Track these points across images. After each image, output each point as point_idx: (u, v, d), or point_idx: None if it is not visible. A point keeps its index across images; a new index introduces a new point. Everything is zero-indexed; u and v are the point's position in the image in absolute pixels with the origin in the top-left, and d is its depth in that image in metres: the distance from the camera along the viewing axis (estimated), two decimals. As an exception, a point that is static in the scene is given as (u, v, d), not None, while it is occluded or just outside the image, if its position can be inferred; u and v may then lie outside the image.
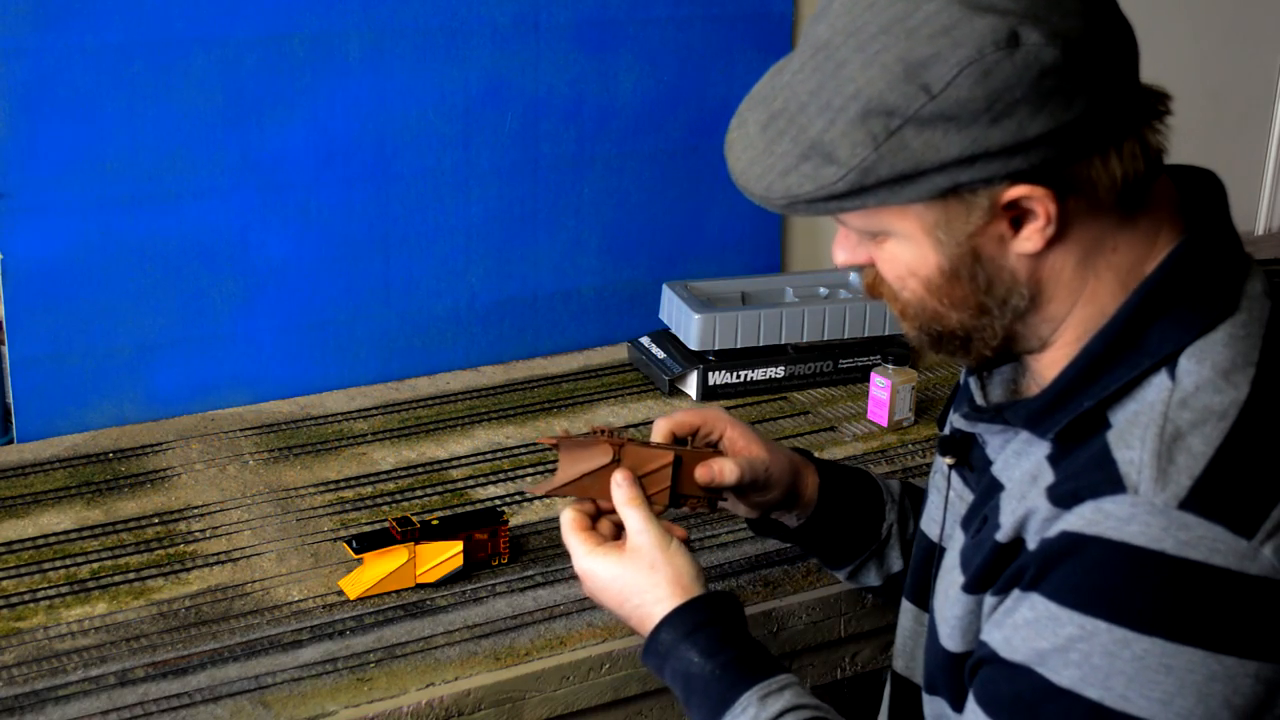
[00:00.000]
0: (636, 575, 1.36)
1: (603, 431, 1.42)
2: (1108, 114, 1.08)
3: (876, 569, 1.55)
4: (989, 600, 1.18)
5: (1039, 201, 1.09)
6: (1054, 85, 1.05)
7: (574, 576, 1.66)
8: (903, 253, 1.16)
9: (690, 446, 1.47)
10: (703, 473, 1.44)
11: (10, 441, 1.95)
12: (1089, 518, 1.08)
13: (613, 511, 1.42)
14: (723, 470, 1.44)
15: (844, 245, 1.21)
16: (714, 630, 1.32)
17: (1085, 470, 1.11)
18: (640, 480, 1.41)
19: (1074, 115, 1.06)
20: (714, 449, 1.48)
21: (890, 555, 1.54)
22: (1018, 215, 1.11)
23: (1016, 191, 1.09)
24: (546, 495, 1.42)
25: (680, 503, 1.46)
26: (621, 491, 1.39)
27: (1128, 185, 1.11)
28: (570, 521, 1.41)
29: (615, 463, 1.40)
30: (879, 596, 1.62)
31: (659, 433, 1.48)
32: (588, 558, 1.38)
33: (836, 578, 1.61)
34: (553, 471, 1.88)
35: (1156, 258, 1.16)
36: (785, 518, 1.53)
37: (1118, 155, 1.10)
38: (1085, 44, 1.06)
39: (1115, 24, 1.10)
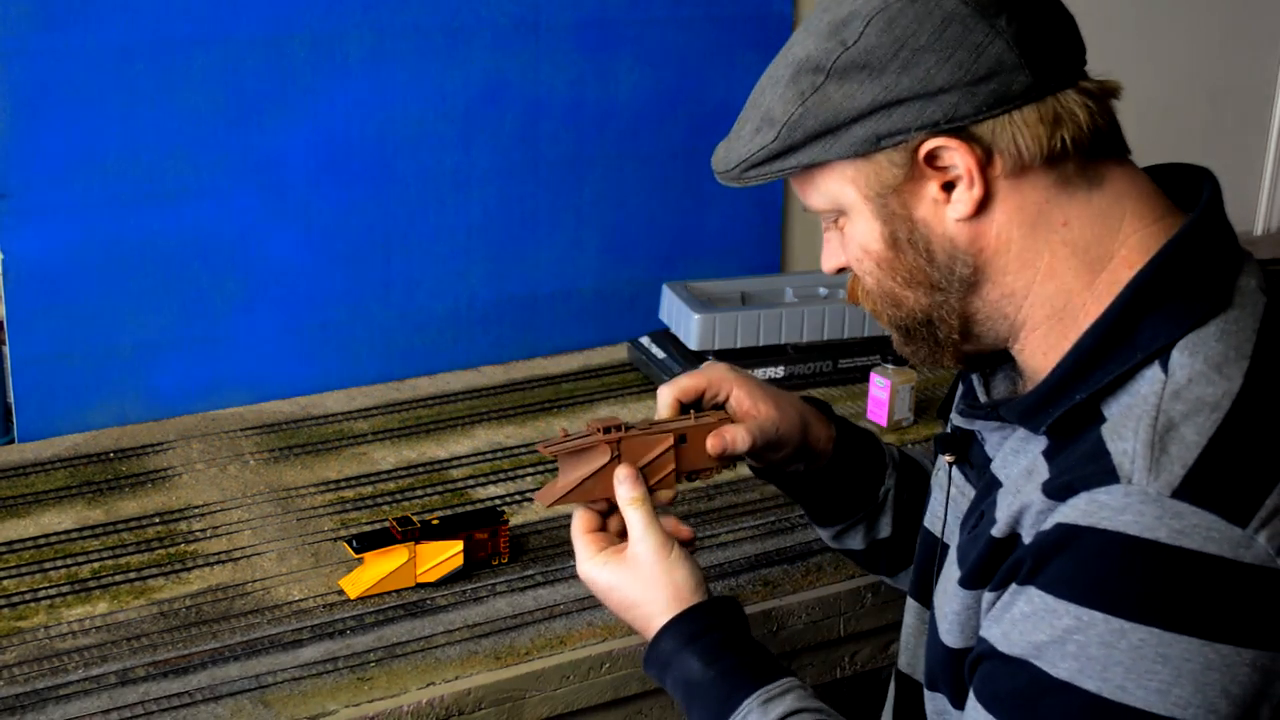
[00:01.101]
0: (634, 586, 1.35)
1: (603, 429, 1.40)
2: (1020, 70, 1.13)
3: (864, 533, 1.54)
4: (987, 596, 1.18)
5: (957, 154, 1.14)
6: (959, 35, 1.12)
7: (575, 576, 1.67)
8: (854, 230, 1.22)
9: (695, 413, 1.43)
10: (714, 443, 1.41)
11: (11, 441, 1.95)
12: (1083, 509, 1.08)
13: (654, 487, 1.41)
14: (735, 439, 1.42)
15: (829, 250, 1.27)
16: (713, 637, 1.32)
17: (1079, 463, 1.12)
18: (644, 471, 1.38)
19: (982, 69, 1.12)
20: (721, 410, 1.45)
21: (881, 521, 1.53)
22: (949, 182, 1.16)
23: (932, 143, 1.14)
24: (555, 504, 1.39)
25: (693, 477, 1.43)
26: (623, 490, 1.37)
27: (1056, 150, 1.14)
28: (578, 522, 1.40)
29: (615, 459, 1.39)
30: (859, 564, 1.60)
31: (664, 401, 1.45)
32: (588, 563, 1.37)
33: (820, 536, 1.59)
34: (554, 468, 1.89)
35: (1125, 241, 1.17)
36: (789, 467, 1.52)
37: (1039, 115, 1.13)
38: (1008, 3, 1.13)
39: None
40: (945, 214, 1.17)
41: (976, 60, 1.12)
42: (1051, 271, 1.18)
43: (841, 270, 1.27)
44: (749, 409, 1.45)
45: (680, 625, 1.33)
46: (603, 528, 1.41)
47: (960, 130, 1.13)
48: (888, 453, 1.55)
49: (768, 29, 2.26)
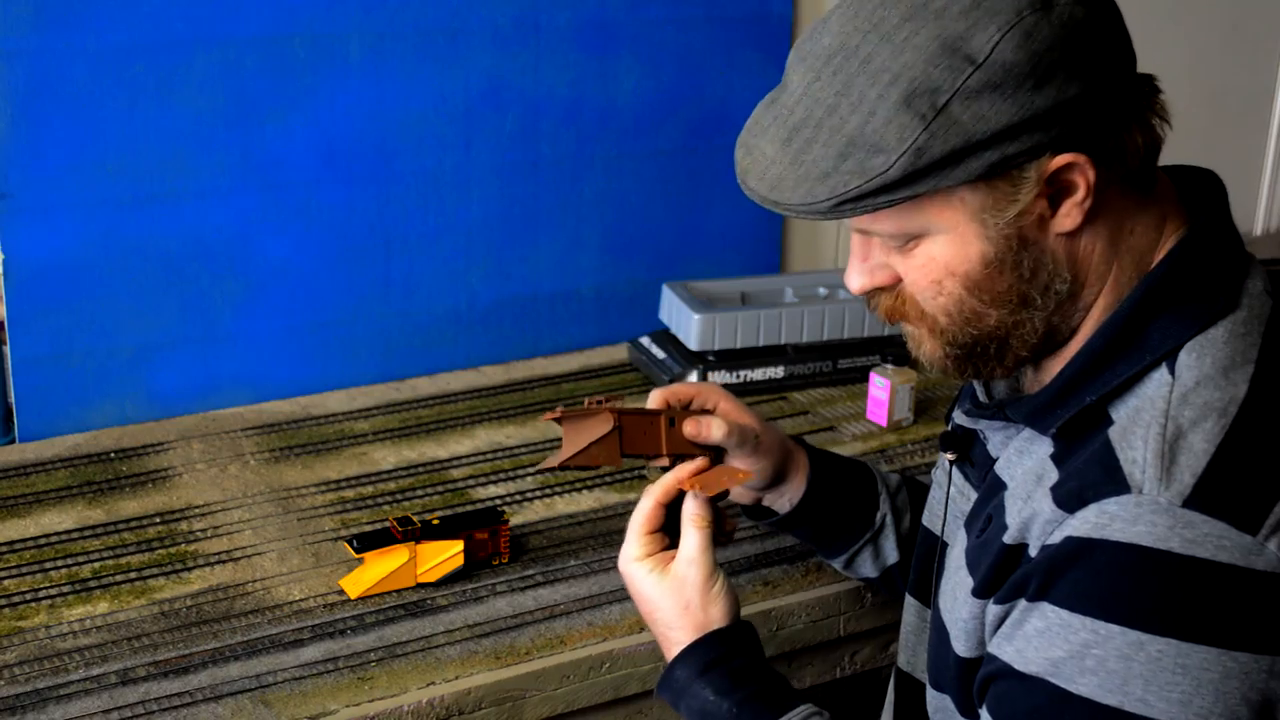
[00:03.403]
0: (670, 607, 1.33)
1: (598, 400, 1.41)
2: (1129, 81, 1.11)
3: (872, 560, 1.55)
4: (992, 609, 1.17)
5: (1081, 171, 1.09)
6: (1087, 46, 1.07)
7: (575, 576, 1.67)
8: (941, 251, 1.13)
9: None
10: (690, 427, 1.42)
11: (12, 441, 1.95)
12: (1094, 521, 1.08)
13: (646, 461, 1.42)
14: (710, 426, 1.42)
15: (861, 269, 1.18)
16: (727, 668, 1.30)
17: (1088, 469, 1.11)
18: (635, 440, 1.40)
19: (1105, 79, 1.08)
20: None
21: (885, 546, 1.54)
22: (1055, 191, 1.11)
23: (1061, 160, 1.08)
24: (559, 468, 1.40)
25: (673, 461, 1.44)
26: (693, 507, 1.35)
27: (1147, 159, 1.13)
28: (642, 519, 1.37)
29: (617, 429, 1.40)
30: (878, 589, 1.62)
31: (654, 401, 1.46)
32: (634, 564, 1.36)
33: (834, 567, 1.61)
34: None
35: (1164, 248, 1.17)
36: (777, 503, 1.53)
37: (1138, 126, 1.12)
38: (1102, 7, 1.10)
39: (1117, 12, 1.14)
40: (1050, 229, 1.12)
41: (1099, 72, 1.07)
42: (1115, 281, 1.16)
43: (874, 290, 1.19)
44: (734, 417, 1.46)
45: (695, 654, 1.31)
46: (663, 528, 1.38)
47: (1086, 145, 1.09)
48: (881, 478, 1.55)
49: (768, 29, 2.26)
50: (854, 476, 1.54)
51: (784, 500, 1.53)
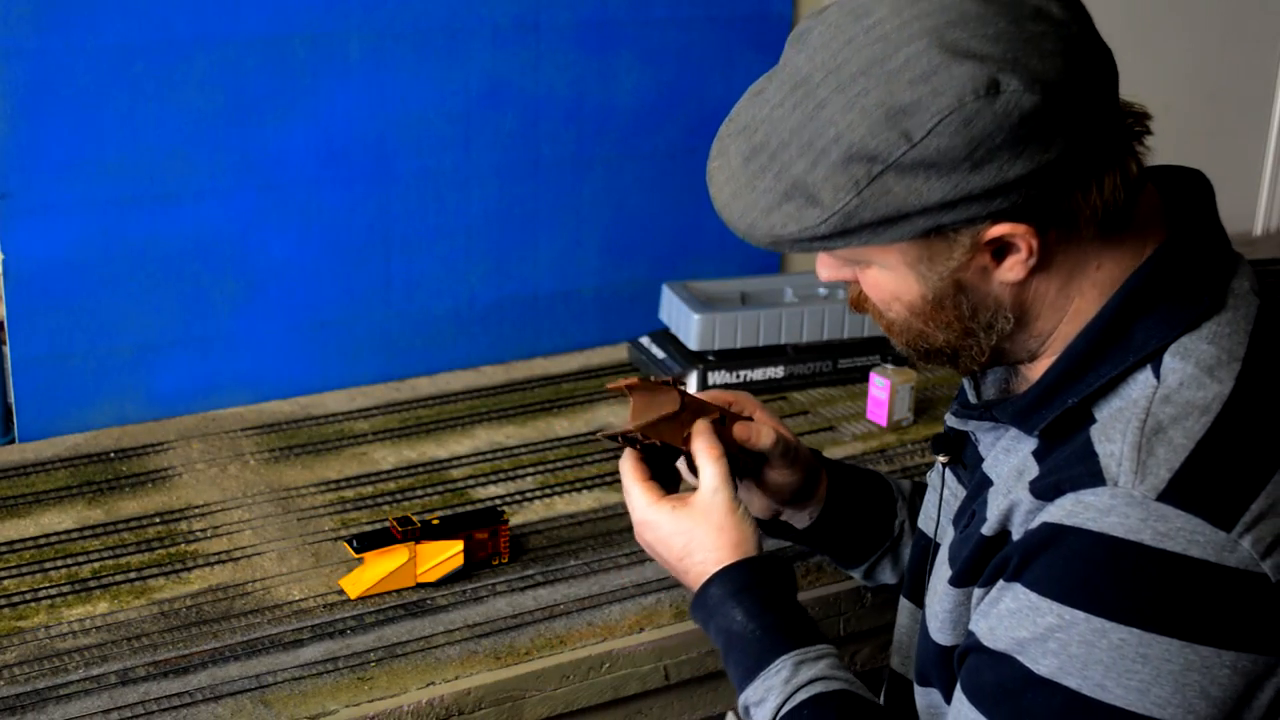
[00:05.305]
0: (705, 533, 1.34)
1: (666, 381, 1.42)
2: (1087, 150, 1.09)
3: (892, 567, 1.56)
4: (977, 592, 1.19)
5: (1021, 238, 1.11)
6: (1033, 129, 1.06)
7: (574, 576, 1.67)
8: (885, 280, 1.17)
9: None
10: (740, 430, 1.44)
11: (12, 441, 1.95)
12: (1069, 509, 1.09)
13: (675, 457, 1.42)
14: (760, 433, 1.44)
15: (826, 264, 1.22)
16: (760, 593, 1.32)
17: (1067, 464, 1.13)
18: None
19: (1054, 155, 1.07)
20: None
21: (904, 552, 1.55)
22: (998, 248, 1.12)
23: (998, 230, 1.10)
24: (622, 434, 1.39)
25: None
26: (703, 441, 1.38)
27: (1108, 213, 1.12)
28: (633, 471, 1.40)
29: (683, 409, 1.40)
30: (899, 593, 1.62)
31: (712, 399, 1.48)
32: (652, 508, 1.37)
33: (853, 577, 1.61)
34: (554, 468, 1.89)
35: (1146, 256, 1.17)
36: (796, 517, 1.53)
37: (1098, 188, 1.11)
38: (1065, 85, 1.07)
39: (1095, 55, 1.11)
40: (993, 277, 1.14)
41: (1047, 151, 1.06)
42: (1078, 311, 1.17)
43: (836, 282, 1.24)
44: (774, 427, 1.48)
45: (730, 575, 1.33)
46: (653, 478, 1.40)
47: (1026, 216, 1.10)
48: (896, 486, 1.56)
49: (768, 29, 2.26)
50: (870, 488, 1.55)
51: (804, 515, 1.53)
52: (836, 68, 1.09)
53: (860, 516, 1.53)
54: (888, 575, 1.56)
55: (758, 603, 1.31)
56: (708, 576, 1.34)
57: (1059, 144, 1.07)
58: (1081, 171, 1.09)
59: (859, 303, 1.24)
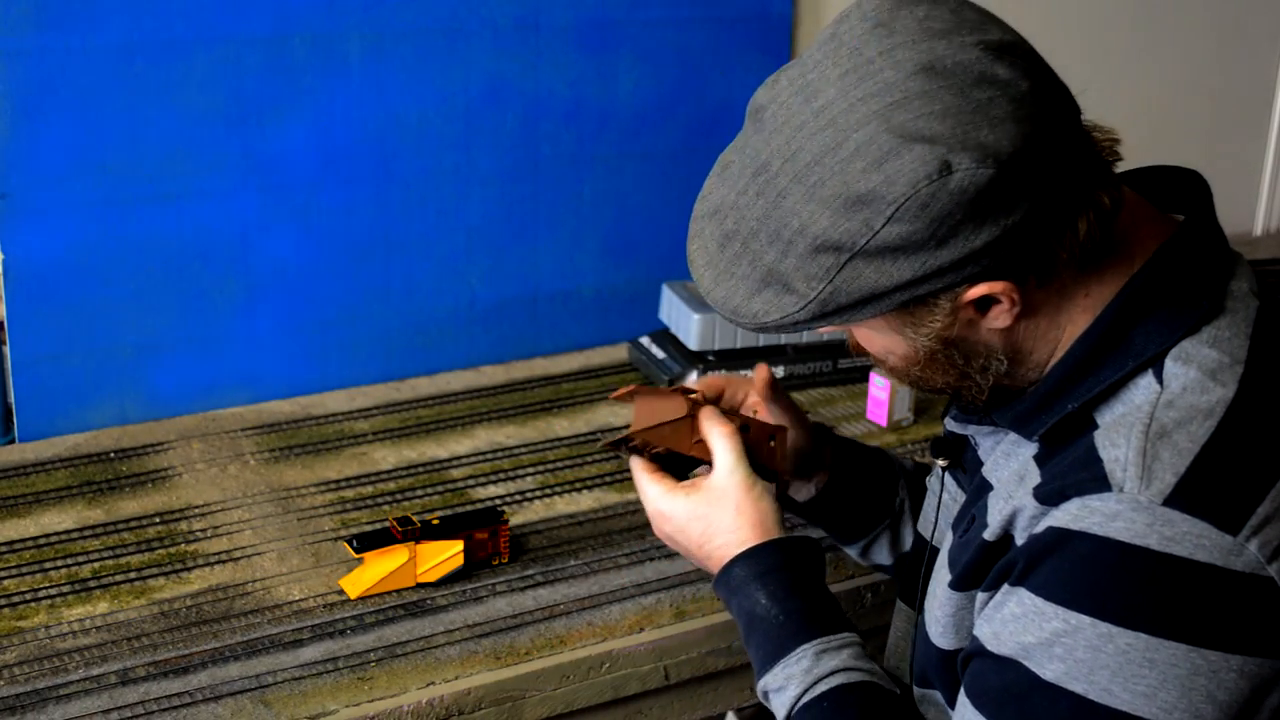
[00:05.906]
0: (722, 515, 1.33)
1: (683, 390, 1.41)
2: (1054, 202, 1.09)
3: (889, 546, 1.54)
4: (980, 596, 1.18)
5: (1002, 293, 1.11)
6: (992, 201, 1.06)
7: (574, 576, 1.67)
8: (876, 339, 1.19)
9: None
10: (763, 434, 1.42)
11: (12, 441, 1.95)
12: (1075, 514, 1.09)
13: (683, 465, 1.40)
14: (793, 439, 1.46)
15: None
16: (785, 576, 1.30)
17: (1071, 469, 1.12)
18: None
19: (1019, 217, 1.07)
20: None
21: (904, 532, 1.54)
22: (981, 302, 1.13)
23: (977, 291, 1.11)
24: (626, 442, 1.38)
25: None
26: (713, 424, 1.36)
27: (1086, 251, 1.12)
28: (642, 466, 1.38)
29: (691, 417, 1.38)
30: (893, 577, 1.61)
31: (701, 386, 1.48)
32: (666, 497, 1.36)
33: (849, 554, 1.60)
34: (554, 468, 1.89)
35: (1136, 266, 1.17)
36: (800, 491, 1.53)
37: (1072, 233, 1.10)
38: (1018, 151, 1.06)
39: (1049, 106, 1.09)
40: (981, 326, 1.15)
41: (1011, 214, 1.06)
42: (1071, 335, 1.17)
43: (834, 333, 1.26)
44: (784, 405, 1.48)
45: (755, 556, 1.31)
46: (662, 472, 1.39)
47: (1001, 274, 1.10)
48: (898, 463, 1.55)
49: (768, 29, 2.26)
50: (873, 462, 1.54)
51: (809, 487, 1.52)
52: (792, 155, 1.10)
53: (863, 491, 1.52)
54: (884, 555, 1.55)
55: (783, 586, 1.29)
56: (730, 558, 1.32)
57: (1022, 206, 1.07)
58: (1052, 223, 1.09)
59: (859, 349, 1.26)
